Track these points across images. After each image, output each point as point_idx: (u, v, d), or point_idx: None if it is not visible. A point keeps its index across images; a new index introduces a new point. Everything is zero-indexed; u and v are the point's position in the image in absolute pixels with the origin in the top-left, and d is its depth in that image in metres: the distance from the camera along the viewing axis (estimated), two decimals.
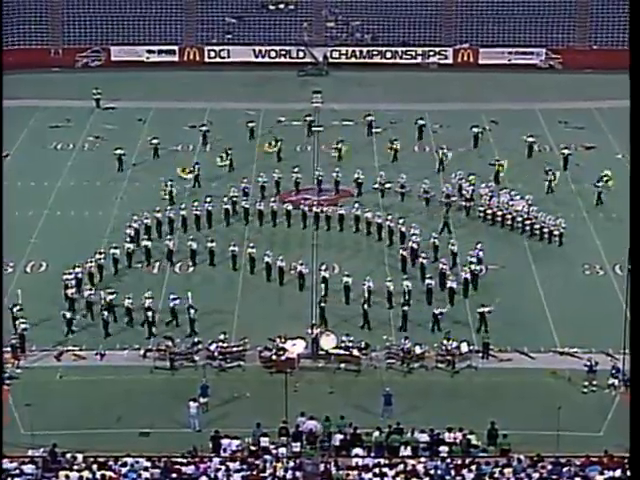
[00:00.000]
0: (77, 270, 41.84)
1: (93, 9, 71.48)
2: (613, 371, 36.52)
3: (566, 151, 54.10)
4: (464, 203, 49.14)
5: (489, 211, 48.28)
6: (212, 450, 32.31)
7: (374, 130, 58.06)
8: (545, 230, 46.62)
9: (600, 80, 66.90)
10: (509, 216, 47.67)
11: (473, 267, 42.63)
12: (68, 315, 39.46)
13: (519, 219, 47.39)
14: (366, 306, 40.13)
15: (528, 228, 47.05)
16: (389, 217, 46.78)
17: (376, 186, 50.77)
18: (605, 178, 50.47)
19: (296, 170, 51.12)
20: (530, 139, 55.64)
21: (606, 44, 71.26)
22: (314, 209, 47.71)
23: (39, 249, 44.96)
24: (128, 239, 44.90)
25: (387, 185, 50.64)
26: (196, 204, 47.86)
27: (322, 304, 39.85)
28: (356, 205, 47.93)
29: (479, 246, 44.15)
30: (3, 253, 40.50)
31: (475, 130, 56.72)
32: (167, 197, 49.40)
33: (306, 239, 45.26)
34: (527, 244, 46.56)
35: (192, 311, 39.38)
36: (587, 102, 63.37)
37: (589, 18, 71.76)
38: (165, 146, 55.85)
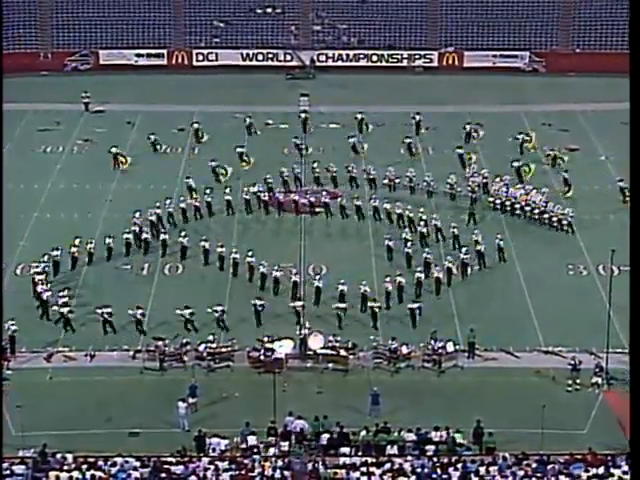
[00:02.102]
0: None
1: (82, 13, 71.32)
2: (596, 370, 36.67)
3: (552, 152, 54.29)
4: (470, 194, 50.04)
5: (497, 201, 49.45)
6: (197, 450, 32.23)
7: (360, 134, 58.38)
8: (554, 219, 47.63)
9: (583, 83, 67.22)
10: (517, 206, 48.79)
11: (462, 256, 43.53)
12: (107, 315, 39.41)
13: (527, 208, 48.55)
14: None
15: (537, 217, 48.14)
16: (408, 207, 47.79)
17: (386, 181, 51.37)
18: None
19: (315, 165, 52.01)
20: (520, 136, 56.11)
21: (589, 47, 71.54)
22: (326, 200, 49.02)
23: (29, 251, 44.78)
24: (143, 228, 45.50)
25: (396, 180, 51.39)
26: (196, 196, 48.69)
27: (257, 302, 40.04)
28: (374, 196, 49.22)
29: (499, 236, 45.14)
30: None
31: (467, 127, 57.26)
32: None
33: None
34: (513, 244, 46.73)
35: (139, 311, 39.32)
36: (571, 105, 63.60)
37: (572, 22, 71.98)
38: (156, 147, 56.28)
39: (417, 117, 58.76)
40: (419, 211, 47.41)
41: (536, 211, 48.33)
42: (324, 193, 50.00)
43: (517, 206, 48.90)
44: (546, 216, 47.98)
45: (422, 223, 46.34)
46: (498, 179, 51.01)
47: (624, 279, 41.24)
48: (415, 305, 40.00)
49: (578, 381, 36.51)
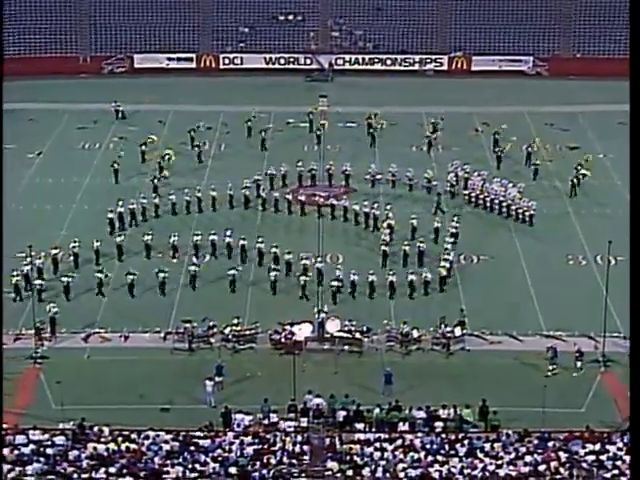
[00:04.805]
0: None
1: (118, 20, 71.47)
2: (577, 354, 36.31)
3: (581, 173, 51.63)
4: (449, 188, 49.76)
5: (473, 194, 49.13)
6: (223, 425, 32.24)
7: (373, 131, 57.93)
8: (520, 211, 47.44)
9: (583, 86, 66.77)
10: (487, 199, 48.59)
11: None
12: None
13: (496, 201, 48.30)
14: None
15: (505, 210, 47.93)
16: (375, 205, 46.94)
17: (367, 177, 51.03)
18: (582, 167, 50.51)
19: (300, 164, 51.43)
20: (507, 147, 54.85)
21: (589, 53, 71.13)
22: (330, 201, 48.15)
23: (68, 240, 44.83)
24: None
25: (378, 176, 50.97)
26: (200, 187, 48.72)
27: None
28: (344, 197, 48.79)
29: (455, 218, 45.46)
30: (28, 246, 40.46)
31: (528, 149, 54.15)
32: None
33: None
34: (516, 236, 46.53)
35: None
36: (571, 106, 63.21)
37: (573, 29, 71.58)
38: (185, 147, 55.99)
39: (434, 120, 58.06)
40: (386, 208, 46.47)
41: (504, 203, 47.96)
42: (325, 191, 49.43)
43: (488, 199, 48.42)
44: (513, 208, 47.63)
45: (385, 225, 44.92)
46: (476, 173, 50.50)
47: (620, 268, 41.19)
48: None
49: (554, 367, 36.00)
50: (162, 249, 44.12)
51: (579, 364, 36.19)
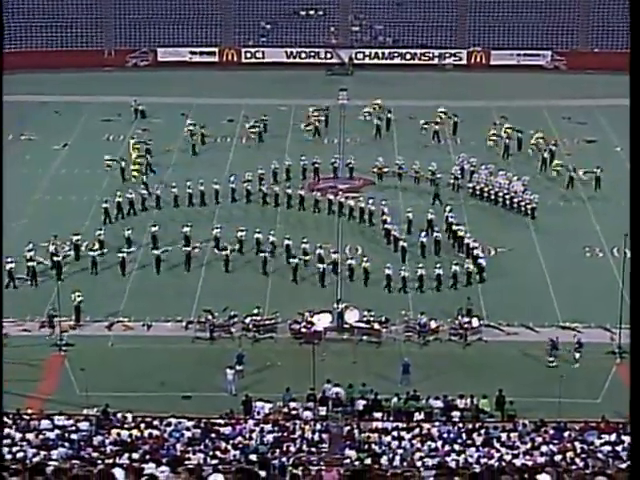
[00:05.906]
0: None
1: (142, 14, 71.62)
2: (576, 345, 36.10)
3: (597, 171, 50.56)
4: (452, 181, 49.47)
5: (477, 187, 48.74)
6: (243, 413, 32.32)
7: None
8: (522, 204, 47.11)
9: (601, 80, 66.27)
10: (492, 192, 48.15)
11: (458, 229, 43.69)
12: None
13: (500, 194, 47.97)
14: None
15: (508, 202, 47.63)
16: (370, 201, 46.21)
17: (375, 170, 50.62)
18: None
19: (316, 158, 51.04)
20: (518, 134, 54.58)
21: (607, 47, 70.58)
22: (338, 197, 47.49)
23: (92, 231, 44.98)
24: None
25: (385, 169, 50.57)
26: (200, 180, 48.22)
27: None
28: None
29: (448, 208, 45.29)
30: (53, 235, 40.60)
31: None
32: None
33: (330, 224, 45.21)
34: (533, 229, 46.31)
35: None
36: (589, 100, 62.82)
37: (592, 23, 71.07)
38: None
39: (455, 118, 57.41)
40: (381, 204, 45.79)
41: (508, 196, 47.57)
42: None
43: (493, 192, 48.00)
44: (515, 201, 47.27)
45: (388, 220, 44.38)
46: (483, 167, 50.05)
47: None
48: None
49: (554, 359, 35.83)
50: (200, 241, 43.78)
51: (577, 355, 35.98)
